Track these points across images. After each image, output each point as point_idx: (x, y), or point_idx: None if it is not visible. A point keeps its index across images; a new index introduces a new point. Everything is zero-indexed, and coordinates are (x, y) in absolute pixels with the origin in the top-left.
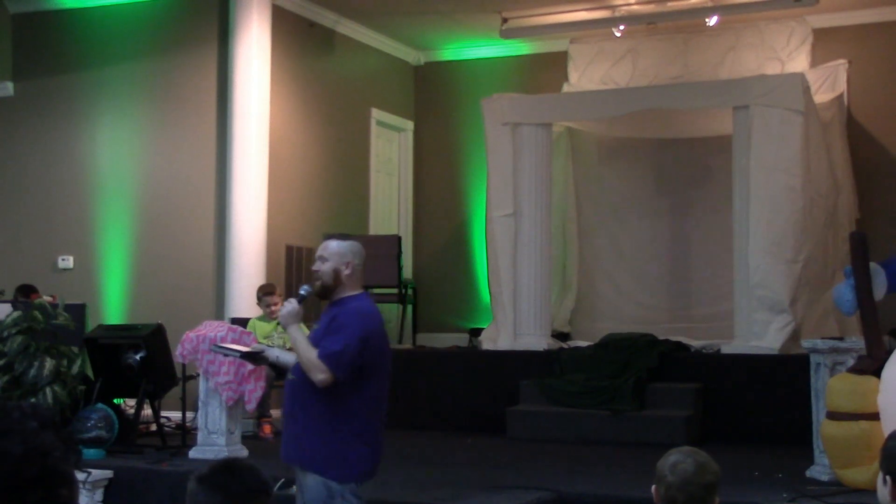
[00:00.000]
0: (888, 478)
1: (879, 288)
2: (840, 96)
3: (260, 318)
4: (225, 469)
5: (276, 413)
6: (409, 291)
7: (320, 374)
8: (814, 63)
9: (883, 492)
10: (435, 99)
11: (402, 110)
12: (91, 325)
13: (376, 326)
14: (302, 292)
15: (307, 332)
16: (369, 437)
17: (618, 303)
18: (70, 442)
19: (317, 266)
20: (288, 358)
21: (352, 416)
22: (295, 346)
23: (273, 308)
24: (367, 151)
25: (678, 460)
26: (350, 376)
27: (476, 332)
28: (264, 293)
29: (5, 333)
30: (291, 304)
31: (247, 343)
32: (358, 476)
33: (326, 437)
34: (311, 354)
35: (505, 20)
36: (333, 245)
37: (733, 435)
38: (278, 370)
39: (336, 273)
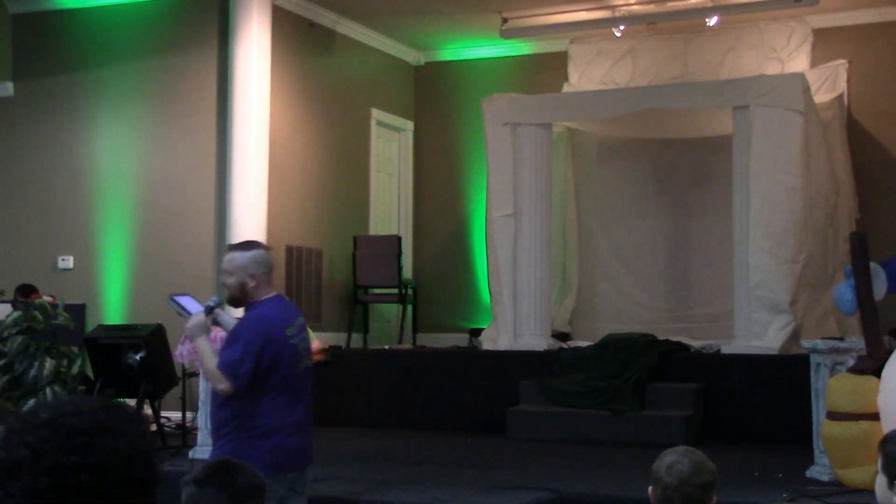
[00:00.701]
0: None
1: (879, 288)
2: (840, 96)
3: None
4: (222, 469)
5: None
6: (409, 291)
7: (220, 385)
8: (814, 63)
9: (889, 495)
10: (435, 99)
11: (402, 110)
12: (91, 325)
13: (274, 329)
14: (210, 303)
15: (311, 334)
16: (276, 436)
17: (618, 303)
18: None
19: (223, 279)
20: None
21: (257, 416)
22: (200, 356)
23: None
24: (367, 151)
25: (674, 461)
26: (250, 384)
27: (476, 332)
28: None
29: (5, 333)
30: (199, 317)
31: None
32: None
33: (230, 437)
34: (211, 365)
35: (505, 20)
36: (237, 259)
37: (733, 435)
38: None
39: (242, 286)
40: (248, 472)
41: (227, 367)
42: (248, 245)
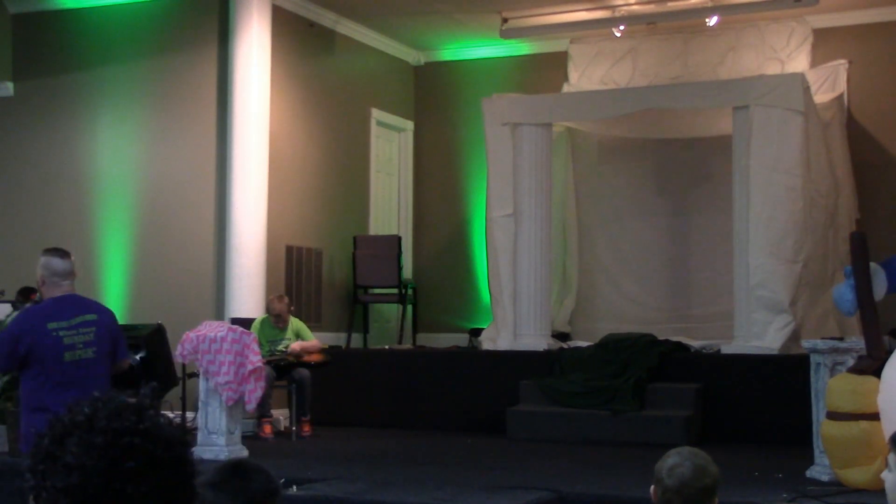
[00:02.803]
0: None
1: (879, 288)
2: (840, 96)
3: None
4: (237, 472)
5: (276, 413)
6: (409, 291)
7: None
8: (814, 63)
9: None
10: (435, 99)
11: (402, 110)
12: None
13: (34, 321)
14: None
15: (310, 334)
16: (42, 414)
17: (618, 303)
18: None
19: None
20: None
21: (29, 394)
22: None
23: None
24: (367, 151)
25: (675, 463)
26: (10, 366)
27: (476, 332)
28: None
29: None
30: None
31: (247, 343)
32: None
33: (22, 415)
34: None
35: (505, 20)
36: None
37: (733, 435)
38: (279, 370)
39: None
40: (264, 476)
41: None
42: (44, 252)
